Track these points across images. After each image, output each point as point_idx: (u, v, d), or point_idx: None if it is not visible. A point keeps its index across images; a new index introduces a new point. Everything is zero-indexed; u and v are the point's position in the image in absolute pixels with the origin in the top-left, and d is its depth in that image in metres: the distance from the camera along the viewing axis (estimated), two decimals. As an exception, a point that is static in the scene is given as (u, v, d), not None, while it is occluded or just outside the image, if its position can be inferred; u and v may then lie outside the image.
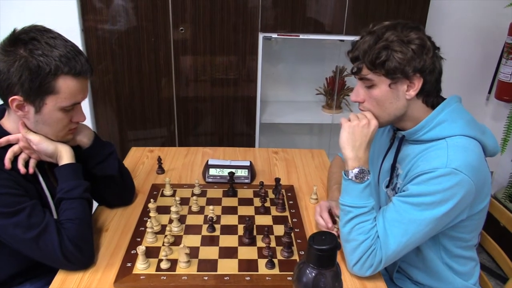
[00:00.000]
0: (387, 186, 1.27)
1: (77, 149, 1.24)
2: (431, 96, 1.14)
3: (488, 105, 2.93)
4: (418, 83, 1.09)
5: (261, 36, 2.21)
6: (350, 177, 1.10)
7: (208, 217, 1.30)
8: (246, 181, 1.57)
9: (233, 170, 1.54)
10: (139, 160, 1.73)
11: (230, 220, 1.33)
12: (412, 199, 1.07)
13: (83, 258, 1.11)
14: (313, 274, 0.80)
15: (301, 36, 2.23)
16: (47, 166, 1.21)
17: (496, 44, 2.68)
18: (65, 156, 1.17)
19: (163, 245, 1.18)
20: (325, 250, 0.78)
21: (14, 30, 1.04)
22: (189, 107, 2.36)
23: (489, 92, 2.88)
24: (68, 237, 1.07)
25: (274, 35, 2.21)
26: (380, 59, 1.07)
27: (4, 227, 1.03)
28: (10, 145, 1.12)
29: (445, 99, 1.17)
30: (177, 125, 2.39)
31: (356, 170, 1.09)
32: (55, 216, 1.15)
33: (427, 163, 1.08)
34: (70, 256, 1.07)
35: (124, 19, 2.16)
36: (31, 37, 1.02)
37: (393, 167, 1.24)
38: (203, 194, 1.48)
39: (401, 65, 1.06)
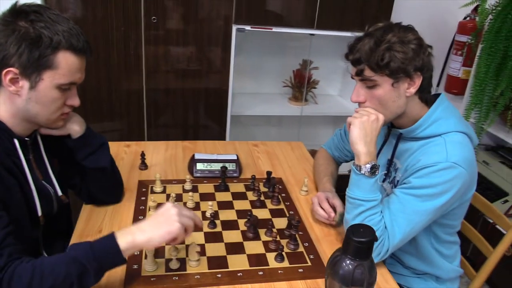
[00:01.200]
0: (384, 180, 1.33)
1: (64, 143, 1.20)
2: (425, 92, 1.21)
3: (436, 98, 3.13)
4: (418, 81, 1.15)
5: (234, 28, 2.18)
6: (362, 172, 1.13)
7: (207, 213, 1.28)
8: (235, 175, 1.56)
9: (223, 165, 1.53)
10: (117, 156, 1.64)
11: (228, 215, 1.32)
12: (415, 191, 1.13)
13: None
14: (351, 266, 0.82)
15: (274, 29, 2.23)
16: (32, 158, 1.12)
17: (444, 40, 2.86)
18: None
19: (167, 244, 1.15)
20: (364, 242, 0.80)
21: (16, 3, 0.99)
22: (159, 99, 2.27)
23: (438, 85, 3.08)
24: None
25: (248, 27, 2.18)
26: (384, 61, 1.10)
27: None
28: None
29: (433, 94, 1.24)
30: (146, 118, 2.30)
31: (369, 165, 1.12)
32: (39, 213, 1.08)
33: (428, 157, 1.14)
34: None
35: (91, 6, 2.02)
36: (34, 10, 0.98)
37: (390, 162, 1.29)
38: (194, 189, 1.44)
39: (403, 64, 1.11)
